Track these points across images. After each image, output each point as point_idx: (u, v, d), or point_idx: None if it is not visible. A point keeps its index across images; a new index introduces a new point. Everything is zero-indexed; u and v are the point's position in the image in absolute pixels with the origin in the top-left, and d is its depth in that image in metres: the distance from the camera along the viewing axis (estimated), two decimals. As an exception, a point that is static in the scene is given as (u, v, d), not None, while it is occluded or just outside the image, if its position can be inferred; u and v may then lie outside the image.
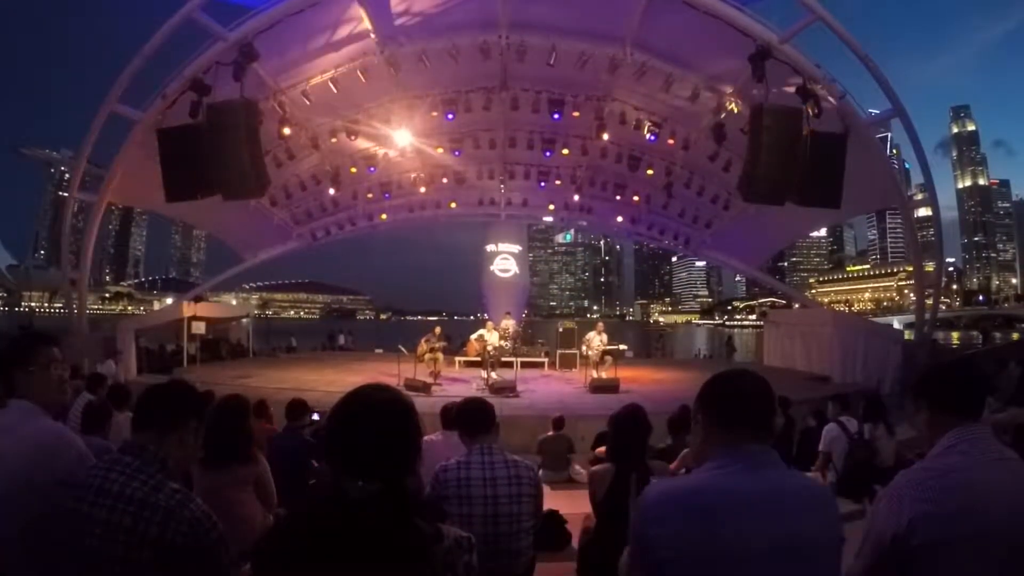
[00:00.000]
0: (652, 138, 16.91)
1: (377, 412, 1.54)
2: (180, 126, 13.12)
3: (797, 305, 32.83)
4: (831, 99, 13.25)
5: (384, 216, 23.23)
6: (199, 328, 16.80)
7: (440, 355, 15.45)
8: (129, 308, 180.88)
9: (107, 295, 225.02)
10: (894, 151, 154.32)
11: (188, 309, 18.41)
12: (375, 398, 1.57)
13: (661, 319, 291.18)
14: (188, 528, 1.90)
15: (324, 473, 1.49)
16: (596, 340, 15.74)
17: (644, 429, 3.90)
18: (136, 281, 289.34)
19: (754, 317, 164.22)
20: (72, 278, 16.97)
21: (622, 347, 17.51)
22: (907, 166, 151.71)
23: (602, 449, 6.37)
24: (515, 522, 3.31)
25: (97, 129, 14.24)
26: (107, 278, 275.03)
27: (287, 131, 15.69)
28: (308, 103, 15.60)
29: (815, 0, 12.29)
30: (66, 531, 1.91)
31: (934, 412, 2.03)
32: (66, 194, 16.99)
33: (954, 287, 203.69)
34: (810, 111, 12.63)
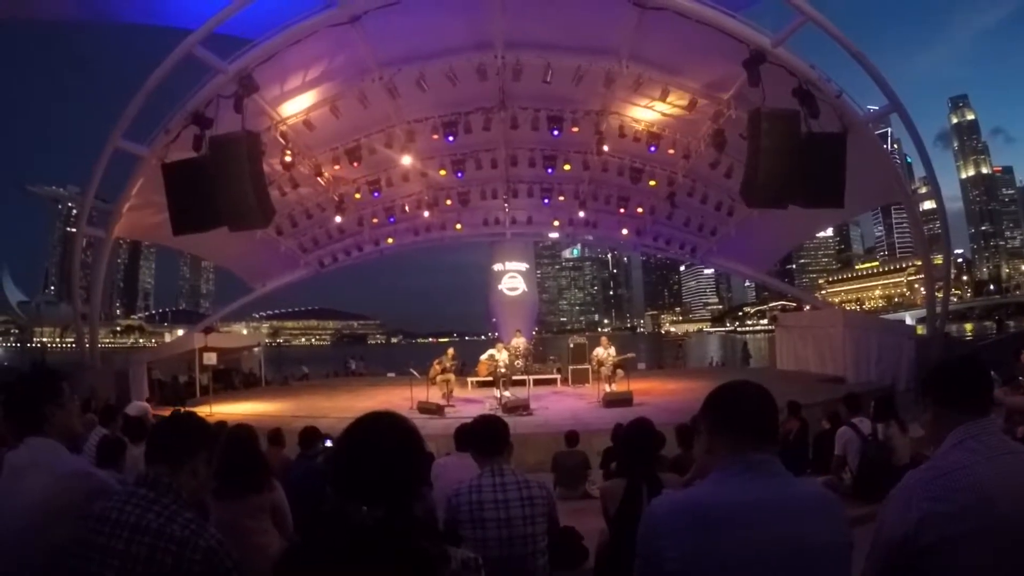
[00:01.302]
0: (652, 149, 16.95)
1: (379, 438, 1.56)
2: (184, 160, 13.22)
3: (808, 307, 32.69)
4: (828, 99, 13.25)
5: (391, 240, 23.30)
6: (211, 359, 16.81)
7: (452, 376, 15.44)
8: (141, 341, 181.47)
9: (118, 328, 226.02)
10: (895, 146, 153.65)
11: (199, 340, 18.45)
12: (377, 425, 1.60)
13: (672, 329, 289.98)
14: (203, 557, 1.94)
15: (331, 500, 1.50)
16: (604, 354, 15.71)
17: (653, 442, 3.90)
18: (147, 314, 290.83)
19: (765, 322, 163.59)
20: (83, 313, 17.06)
21: (631, 355, 17.48)
22: (908, 160, 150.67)
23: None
24: (529, 543, 3.30)
25: (102, 165, 14.33)
26: (118, 312, 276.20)
27: (289, 160, 15.81)
28: (310, 131, 15.76)
29: (804, 1, 12.35)
30: (85, 563, 1.95)
31: (940, 410, 2.01)
32: (74, 230, 17.14)
33: (964, 278, 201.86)
34: (807, 112, 12.65)
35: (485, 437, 3.62)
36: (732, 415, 1.80)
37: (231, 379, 21.85)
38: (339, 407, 14.90)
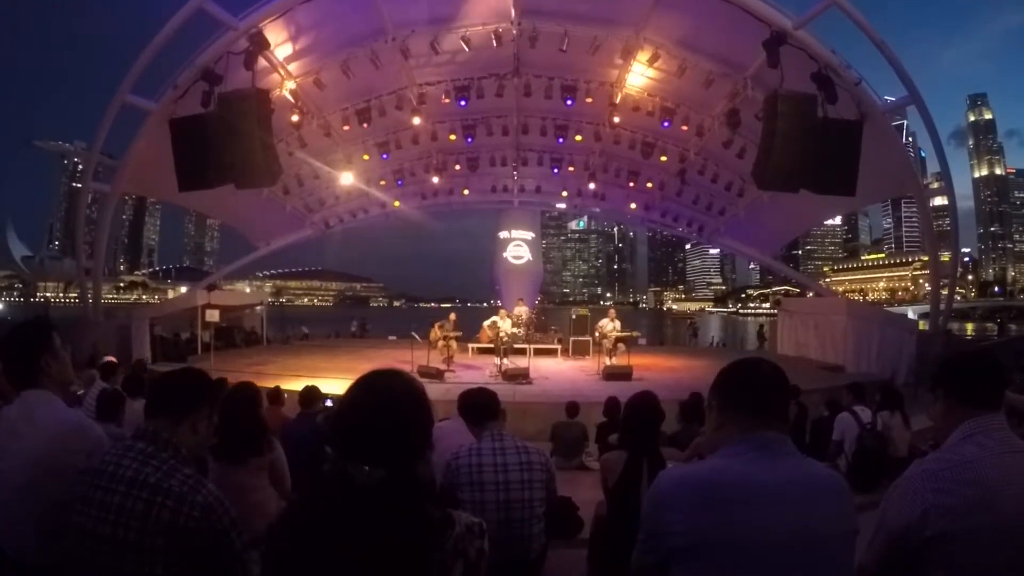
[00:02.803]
0: (666, 124, 16.79)
1: (382, 397, 1.50)
2: (192, 116, 13.14)
3: (811, 294, 32.64)
4: (846, 85, 13.09)
5: (397, 203, 23.29)
6: (213, 316, 16.82)
7: (454, 342, 15.47)
8: (144, 297, 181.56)
9: (122, 284, 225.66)
10: (909, 139, 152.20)
11: (202, 297, 18.48)
12: (381, 383, 1.54)
13: (675, 306, 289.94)
14: (200, 513, 1.91)
15: (333, 459, 1.46)
16: (609, 326, 15.70)
17: (657, 416, 3.88)
18: (150, 270, 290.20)
19: (767, 305, 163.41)
20: (87, 268, 17.07)
21: (635, 333, 17.49)
22: (922, 154, 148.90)
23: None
24: (527, 508, 3.32)
25: (110, 120, 14.27)
26: (121, 268, 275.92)
27: (298, 119, 15.69)
28: (320, 91, 15.60)
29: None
30: (81, 517, 1.93)
31: (951, 402, 1.98)
32: (80, 185, 17.07)
33: (969, 278, 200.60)
34: (825, 97, 12.50)
35: (477, 407, 3.71)
36: (746, 391, 1.77)
37: (233, 337, 21.91)
38: (340, 367, 14.93)
